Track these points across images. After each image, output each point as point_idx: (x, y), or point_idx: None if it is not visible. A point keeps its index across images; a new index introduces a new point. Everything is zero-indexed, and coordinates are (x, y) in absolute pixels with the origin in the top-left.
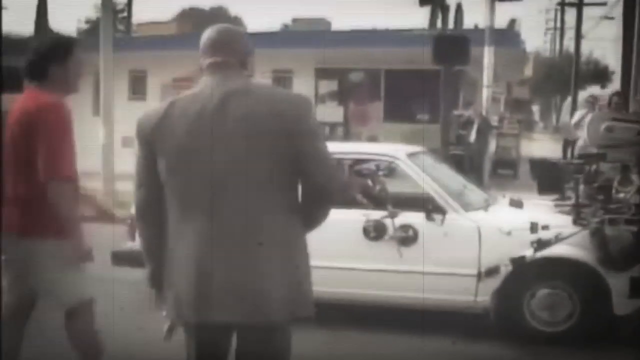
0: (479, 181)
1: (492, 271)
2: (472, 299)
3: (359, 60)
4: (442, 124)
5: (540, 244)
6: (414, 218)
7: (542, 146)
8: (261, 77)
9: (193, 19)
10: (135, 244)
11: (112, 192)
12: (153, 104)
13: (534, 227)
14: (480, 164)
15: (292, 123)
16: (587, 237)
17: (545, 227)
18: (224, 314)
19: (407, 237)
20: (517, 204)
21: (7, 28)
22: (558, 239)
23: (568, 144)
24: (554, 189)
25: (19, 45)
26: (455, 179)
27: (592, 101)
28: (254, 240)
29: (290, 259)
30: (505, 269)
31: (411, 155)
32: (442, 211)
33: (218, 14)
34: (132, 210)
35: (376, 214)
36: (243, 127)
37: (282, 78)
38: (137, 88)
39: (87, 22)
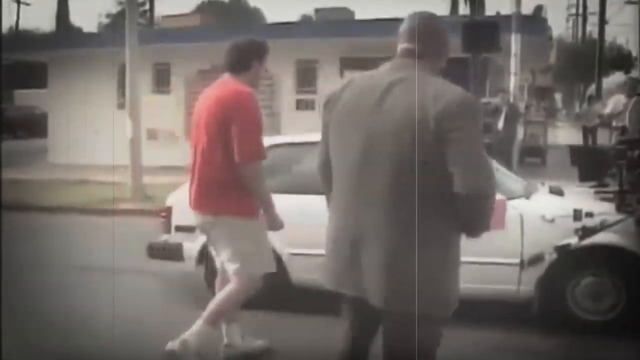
0: (508, 169)
1: (535, 260)
2: (515, 288)
3: (384, 49)
4: None
5: (586, 232)
6: None
7: (565, 133)
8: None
9: (213, 11)
10: (170, 237)
11: (140, 185)
12: (177, 97)
13: (577, 215)
14: (508, 152)
15: (447, 120)
16: (632, 225)
17: (588, 215)
18: (366, 294)
19: None
20: (557, 191)
21: (29, 23)
22: (603, 226)
23: (587, 131)
24: (595, 176)
25: (44, 41)
26: (495, 167)
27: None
28: (403, 229)
29: (437, 255)
30: (549, 257)
31: None
32: None
33: (237, 6)
34: (168, 202)
35: None
36: (395, 116)
37: (307, 68)
38: (161, 81)
39: (108, 16)
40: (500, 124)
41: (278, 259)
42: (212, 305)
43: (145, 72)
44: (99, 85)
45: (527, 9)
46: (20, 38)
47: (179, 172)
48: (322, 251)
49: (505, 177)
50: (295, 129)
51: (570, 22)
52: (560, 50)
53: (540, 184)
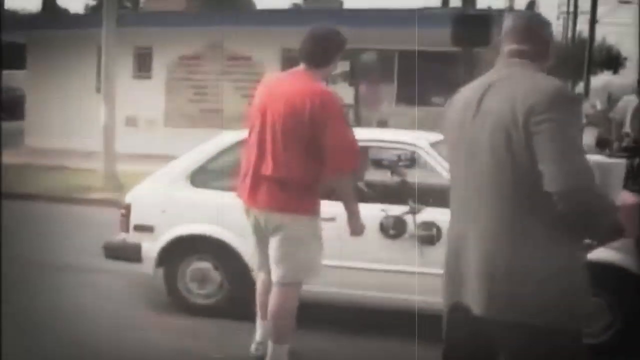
0: None
1: None
2: None
3: (372, 40)
4: None
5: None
6: (438, 214)
7: None
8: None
9: None
10: (129, 236)
11: (113, 173)
12: (158, 82)
13: None
14: None
15: (535, 113)
16: (631, 241)
17: None
18: (474, 305)
19: (430, 236)
20: None
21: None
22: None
23: None
24: None
25: (24, 21)
26: None
27: None
28: (509, 237)
29: (546, 264)
30: None
31: (435, 144)
32: None
33: None
34: (127, 199)
35: (396, 210)
36: (490, 117)
37: (293, 57)
38: (143, 66)
39: None
40: None
41: (242, 264)
42: (272, 321)
43: (126, 56)
44: (79, 68)
45: (520, 5)
46: (3, 18)
47: (158, 160)
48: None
49: None
50: None
51: (561, 20)
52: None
53: None
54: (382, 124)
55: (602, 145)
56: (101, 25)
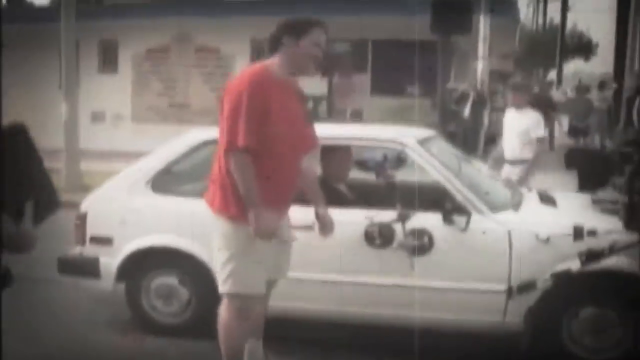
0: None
1: (526, 287)
2: (499, 320)
3: (345, 29)
4: (440, 98)
5: (590, 256)
6: (429, 221)
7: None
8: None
9: None
10: (85, 249)
11: (76, 172)
12: (124, 77)
13: (578, 233)
14: (475, 141)
15: None
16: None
17: (591, 233)
18: None
19: (421, 245)
20: (549, 200)
21: None
22: (613, 250)
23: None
24: (598, 183)
25: None
26: (477, 170)
27: None
28: None
29: None
30: (543, 285)
31: (423, 142)
32: (464, 212)
33: None
34: (82, 207)
35: (382, 216)
36: None
37: (261, 48)
38: (108, 60)
39: None
40: (467, 112)
41: (211, 279)
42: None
43: (91, 50)
44: (42, 63)
45: None
46: None
47: (126, 158)
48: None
49: (489, 182)
50: None
51: (532, 7)
52: (522, 35)
53: (527, 189)
54: (357, 114)
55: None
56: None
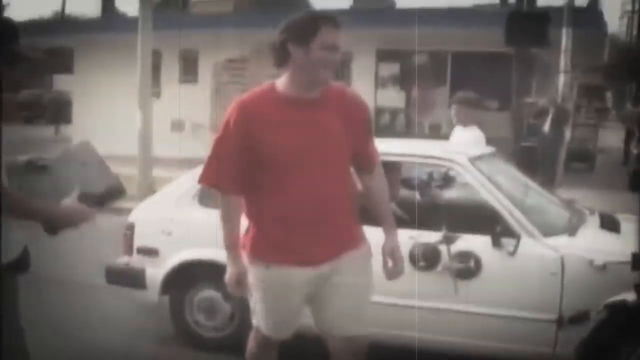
0: (552, 176)
1: (578, 317)
2: (549, 351)
3: (424, 41)
4: (514, 112)
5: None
6: (476, 243)
7: (616, 136)
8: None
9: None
10: (132, 260)
11: (148, 180)
12: (204, 86)
13: (637, 262)
14: (554, 157)
15: None
16: None
17: None
18: None
19: (467, 269)
20: (612, 224)
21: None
22: None
23: (631, 134)
24: None
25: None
26: (532, 191)
27: None
28: None
29: None
30: (597, 316)
31: (476, 160)
32: (514, 235)
33: None
34: (131, 217)
35: (428, 237)
36: None
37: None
38: (189, 69)
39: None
40: (547, 127)
41: None
42: None
43: (172, 59)
44: (127, 72)
45: (581, 2)
46: (63, 23)
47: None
48: None
49: (543, 203)
50: None
51: (625, 20)
52: (613, 48)
53: (589, 212)
54: (435, 128)
55: None
56: (157, 28)
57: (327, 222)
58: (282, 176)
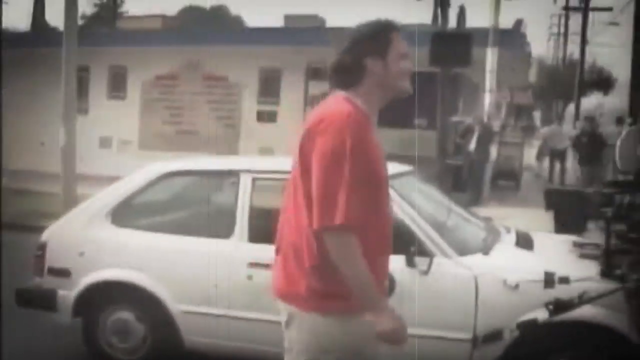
0: (478, 194)
1: (492, 336)
2: None
3: None
4: (440, 130)
5: (558, 307)
6: (391, 263)
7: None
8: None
9: (194, 16)
10: (44, 281)
11: (73, 197)
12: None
13: (549, 280)
14: (480, 175)
15: None
16: (621, 298)
17: (563, 280)
18: None
19: None
20: (525, 243)
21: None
22: (582, 300)
23: (555, 154)
24: (575, 227)
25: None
26: (449, 209)
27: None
28: None
29: None
30: (510, 335)
31: (391, 179)
32: (428, 254)
33: (218, 13)
34: (43, 237)
35: None
36: None
37: (270, 77)
38: (117, 86)
39: (82, 17)
40: (472, 145)
41: (168, 316)
42: None
43: (101, 75)
44: (54, 87)
45: (506, 24)
46: None
47: None
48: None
49: (458, 222)
50: (254, 143)
51: (552, 42)
52: (541, 69)
53: (505, 230)
54: None
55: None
56: (84, 44)
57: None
58: (382, 207)
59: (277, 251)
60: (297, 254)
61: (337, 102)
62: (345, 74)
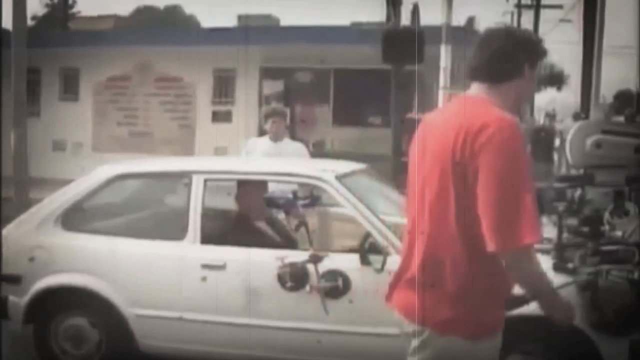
0: None
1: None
2: None
3: (307, 58)
4: (394, 129)
5: (511, 303)
6: (345, 262)
7: None
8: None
9: (148, 16)
10: None
11: (25, 201)
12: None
13: None
14: None
15: None
16: (573, 291)
17: None
18: None
19: (336, 288)
20: None
21: None
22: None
23: None
24: None
25: None
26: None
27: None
28: None
29: None
30: None
31: (344, 177)
32: (382, 252)
33: (173, 13)
34: None
35: (295, 256)
36: None
37: (224, 77)
38: (69, 87)
39: (33, 18)
40: None
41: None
42: None
43: (53, 77)
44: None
45: (459, 21)
46: None
47: None
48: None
49: None
50: (210, 143)
51: None
52: None
53: None
54: (319, 145)
55: None
56: (35, 45)
57: None
58: None
59: (405, 268)
60: (437, 274)
61: (486, 106)
62: (501, 68)
